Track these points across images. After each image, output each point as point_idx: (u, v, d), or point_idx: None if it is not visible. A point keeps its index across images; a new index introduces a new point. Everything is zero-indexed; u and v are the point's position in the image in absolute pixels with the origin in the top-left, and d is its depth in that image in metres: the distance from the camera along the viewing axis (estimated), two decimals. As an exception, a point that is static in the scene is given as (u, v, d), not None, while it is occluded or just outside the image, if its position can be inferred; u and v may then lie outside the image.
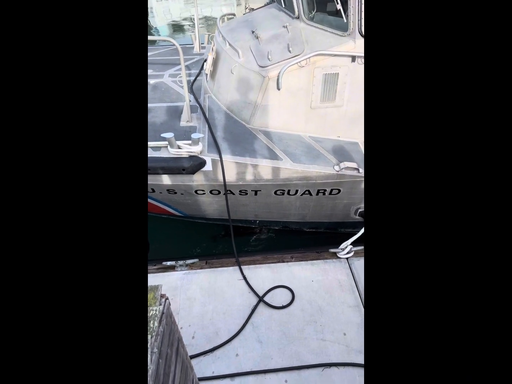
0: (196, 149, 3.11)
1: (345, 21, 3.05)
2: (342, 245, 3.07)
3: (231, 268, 3.06)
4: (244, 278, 2.95)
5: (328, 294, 2.81)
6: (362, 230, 3.11)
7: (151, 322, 1.13)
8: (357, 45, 3.06)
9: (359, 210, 3.78)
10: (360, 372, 2.31)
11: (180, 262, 3.05)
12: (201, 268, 3.07)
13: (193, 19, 5.30)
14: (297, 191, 3.50)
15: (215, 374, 2.34)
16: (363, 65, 3.14)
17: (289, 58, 3.15)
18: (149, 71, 4.55)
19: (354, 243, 3.07)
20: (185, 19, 13.60)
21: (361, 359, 2.37)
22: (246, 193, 3.58)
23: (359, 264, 3.03)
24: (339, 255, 3.08)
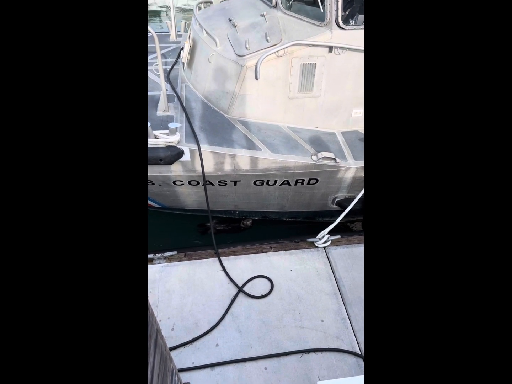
0: (173, 139, 3.05)
1: (322, 11, 3.05)
2: (320, 235, 3.12)
3: (210, 259, 3.05)
4: (224, 269, 2.95)
5: (306, 282, 2.86)
6: (339, 219, 3.17)
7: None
8: (334, 36, 3.07)
9: (336, 200, 3.85)
10: (337, 356, 2.38)
11: (158, 255, 3.02)
12: (179, 261, 3.05)
13: (169, 6, 5.13)
14: (276, 181, 3.52)
15: (195, 364, 2.35)
16: (340, 55, 3.16)
17: (267, 48, 3.13)
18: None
19: (331, 232, 3.13)
20: (161, 6, 13.18)
21: (337, 345, 2.44)
22: (226, 184, 3.56)
23: (336, 253, 3.10)
24: (316, 244, 3.14)
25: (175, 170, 3.31)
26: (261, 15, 3.41)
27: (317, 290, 2.80)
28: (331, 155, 3.30)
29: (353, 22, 3.12)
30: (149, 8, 12.73)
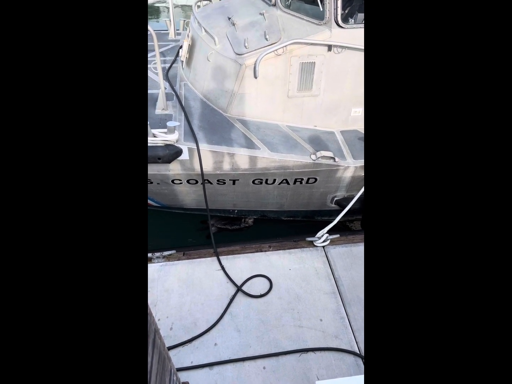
0: (172, 138, 3.04)
1: (321, 9, 3.04)
2: (319, 234, 3.12)
3: (209, 258, 3.05)
4: (222, 268, 2.95)
5: (305, 282, 2.86)
6: (338, 218, 3.16)
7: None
8: (333, 34, 3.06)
9: (335, 199, 3.84)
10: (335, 356, 2.38)
11: (157, 254, 3.01)
12: (178, 260, 3.04)
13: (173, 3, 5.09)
14: (274, 180, 3.51)
15: (194, 364, 2.35)
16: (340, 54, 3.15)
17: (266, 46, 3.12)
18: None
19: (330, 232, 3.13)
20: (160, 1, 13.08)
21: (336, 344, 2.44)
22: (224, 183, 3.55)
23: (335, 252, 3.09)
24: (315, 244, 3.13)
25: (174, 169, 3.30)
26: (260, 14, 3.39)
27: (316, 289, 2.80)
28: (330, 154, 3.29)
29: (352, 20, 3.11)
30: (155, 4, 12.66)
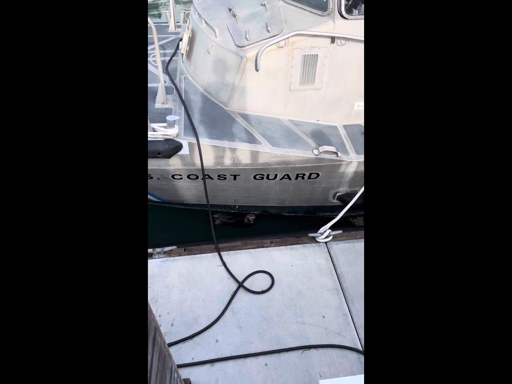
0: (171, 132, 3.00)
1: (324, 0, 2.97)
2: (321, 230, 3.09)
3: (210, 254, 3.02)
4: (224, 264, 2.92)
5: (307, 278, 2.83)
6: (340, 214, 3.13)
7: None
8: (337, 26, 3.00)
9: (338, 194, 3.80)
10: (338, 353, 2.35)
11: (158, 250, 2.98)
12: (179, 255, 3.01)
13: None
14: (276, 175, 3.47)
15: (195, 360, 2.33)
16: (343, 46, 3.09)
17: (268, 38, 3.06)
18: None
19: (332, 227, 3.09)
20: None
21: (339, 341, 2.42)
22: (225, 178, 3.51)
23: (337, 248, 3.06)
24: (318, 240, 3.10)
25: (174, 164, 3.26)
26: (262, 5, 3.32)
27: (318, 285, 2.77)
28: (332, 149, 3.25)
29: (356, 11, 3.04)
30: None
